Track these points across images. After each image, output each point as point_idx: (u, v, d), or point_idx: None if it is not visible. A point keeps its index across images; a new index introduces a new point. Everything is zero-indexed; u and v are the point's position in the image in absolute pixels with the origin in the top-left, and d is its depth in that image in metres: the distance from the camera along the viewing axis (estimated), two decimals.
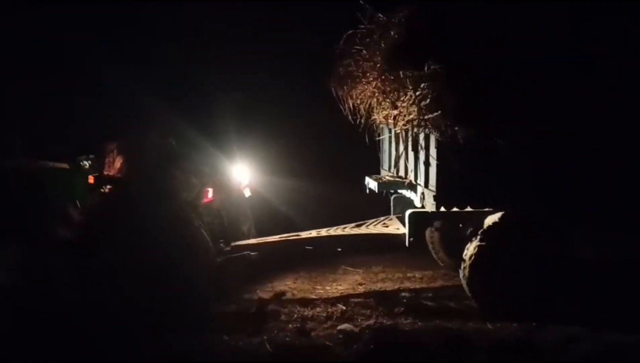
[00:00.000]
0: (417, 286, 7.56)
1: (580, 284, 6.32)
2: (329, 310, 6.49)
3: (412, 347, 5.35)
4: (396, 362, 5.20)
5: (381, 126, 7.47)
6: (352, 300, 6.86)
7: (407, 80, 6.06)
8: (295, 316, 6.32)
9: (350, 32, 6.94)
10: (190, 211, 6.99)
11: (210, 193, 7.45)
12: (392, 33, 6.45)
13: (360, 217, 7.93)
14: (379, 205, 8.16)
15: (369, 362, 5.15)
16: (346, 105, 7.12)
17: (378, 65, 6.48)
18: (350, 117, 7.14)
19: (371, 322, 6.01)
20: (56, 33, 10.47)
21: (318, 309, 6.54)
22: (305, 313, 6.39)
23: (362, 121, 7.13)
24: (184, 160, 7.55)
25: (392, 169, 7.70)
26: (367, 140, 7.38)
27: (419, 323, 5.99)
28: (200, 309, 6.37)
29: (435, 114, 5.89)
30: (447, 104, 5.83)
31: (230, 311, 6.53)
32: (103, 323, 5.90)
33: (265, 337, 5.68)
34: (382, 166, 8.18)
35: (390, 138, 7.67)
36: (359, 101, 6.99)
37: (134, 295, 6.26)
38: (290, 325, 6.03)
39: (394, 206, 7.88)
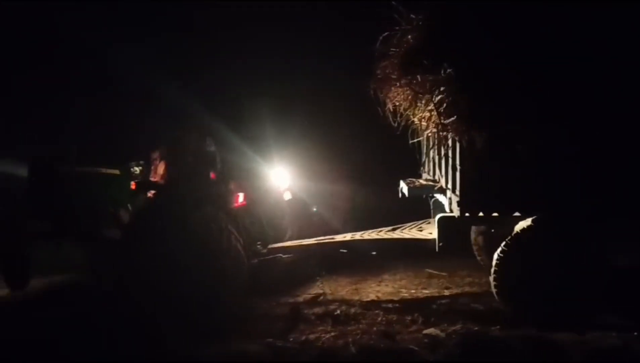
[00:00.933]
0: None
1: (618, 291, 6.04)
2: (414, 313, 6.38)
3: (502, 354, 5.16)
4: None
5: (417, 128, 7.29)
6: (437, 303, 6.72)
7: (427, 84, 6.02)
8: (380, 319, 6.28)
9: (386, 33, 6.73)
10: (222, 215, 7.11)
11: (240, 197, 7.60)
12: (409, 37, 6.39)
13: (403, 220, 7.93)
14: (424, 207, 8.05)
15: None
16: (386, 107, 6.98)
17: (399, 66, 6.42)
18: (390, 119, 7.02)
19: (458, 326, 5.88)
20: (103, 49, 11.12)
21: (402, 312, 6.46)
22: (389, 317, 6.32)
23: (402, 123, 6.92)
24: (221, 165, 7.76)
25: (431, 173, 7.61)
26: (408, 142, 7.19)
27: (509, 330, 5.79)
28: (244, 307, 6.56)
29: (452, 119, 5.87)
30: (463, 109, 5.78)
31: (317, 312, 6.60)
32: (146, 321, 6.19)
33: (350, 339, 5.68)
34: (423, 169, 8.11)
35: (426, 141, 7.54)
36: (397, 103, 6.86)
37: (173, 293, 6.49)
38: (374, 328, 6.02)
39: (433, 209, 7.79)
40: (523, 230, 6.03)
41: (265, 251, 7.71)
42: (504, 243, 6.04)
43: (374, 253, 7.95)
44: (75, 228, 7.90)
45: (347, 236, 7.62)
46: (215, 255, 6.81)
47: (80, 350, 5.70)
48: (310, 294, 7.47)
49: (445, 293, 7.31)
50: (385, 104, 6.86)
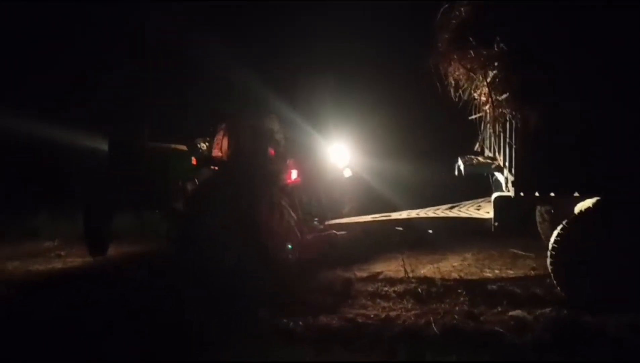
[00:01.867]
0: None
1: None
2: (499, 294, 6.19)
3: (595, 340, 4.89)
4: (579, 357, 4.74)
5: (478, 104, 6.96)
6: (523, 285, 6.48)
7: (480, 59, 5.80)
8: (462, 299, 6.13)
9: (446, 6, 6.48)
10: (275, 190, 7.20)
11: (294, 174, 7.67)
12: (462, 10, 6.13)
13: (464, 198, 7.81)
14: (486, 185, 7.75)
15: (546, 354, 4.80)
16: (446, 82, 6.68)
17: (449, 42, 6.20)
18: (452, 94, 6.71)
19: (546, 310, 5.61)
20: (173, 30, 11.28)
21: (486, 293, 6.28)
22: (473, 297, 6.15)
23: (463, 99, 6.64)
24: (280, 141, 7.84)
25: (491, 150, 7.34)
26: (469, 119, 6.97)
27: (602, 316, 5.47)
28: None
29: (505, 95, 5.66)
30: (515, 85, 5.56)
31: (398, 290, 6.53)
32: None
33: (432, 318, 5.57)
34: (484, 146, 7.80)
35: (485, 117, 7.20)
36: (458, 78, 6.55)
37: (232, 262, 6.73)
38: (457, 308, 5.89)
39: (493, 187, 7.46)
40: (583, 211, 5.75)
41: (321, 227, 7.80)
42: (562, 224, 5.78)
43: (430, 231, 7.78)
44: (151, 200, 8.37)
45: (403, 214, 7.54)
46: (266, 229, 6.92)
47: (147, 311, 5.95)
48: (390, 270, 7.42)
49: (531, 274, 7.04)
50: (446, 79, 6.61)
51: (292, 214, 7.13)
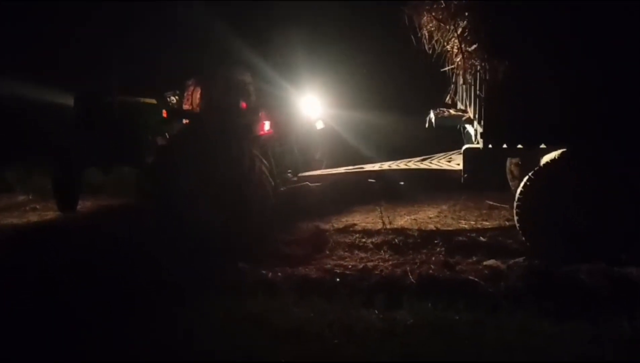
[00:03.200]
0: None
1: None
2: (474, 244, 6.30)
3: (567, 287, 5.03)
4: (551, 304, 4.80)
5: (450, 56, 6.93)
6: (498, 235, 6.62)
7: (451, 9, 5.82)
8: (439, 249, 6.23)
9: None
10: (247, 142, 7.14)
11: (266, 125, 7.58)
12: None
13: (436, 150, 7.82)
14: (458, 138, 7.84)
15: (519, 301, 4.93)
16: (421, 34, 6.53)
17: None
18: (426, 46, 6.62)
19: (520, 259, 5.74)
20: None
21: (462, 243, 6.40)
22: (449, 247, 6.26)
23: (436, 51, 6.54)
24: (252, 93, 7.73)
25: (462, 102, 7.37)
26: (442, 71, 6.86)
27: (574, 264, 5.61)
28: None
29: (474, 46, 5.65)
30: (484, 36, 5.56)
31: (375, 241, 6.61)
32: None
33: (408, 268, 5.67)
34: (456, 98, 7.86)
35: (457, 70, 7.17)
36: (431, 30, 6.47)
37: (207, 215, 6.75)
38: (433, 258, 5.98)
39: (465, 140, 7.50)
40: (549, 162, 5.82)
41: (295, 179, 7.80)
42: (528, 175, 5.87)
43: (402, 183, 7.86)
44: (119, 154, 8.33)
45: (376, 166, 7.57)
46: (240, 180, 6.91)
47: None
48: (368, 222, 7.49)
49: (506, 225, 7.17)
50: (419, 30, 6.51)
51: (266, 166, 7.10)
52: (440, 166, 7.21)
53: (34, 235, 7.64)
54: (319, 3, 10.85)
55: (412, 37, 6.49)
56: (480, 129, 5.96)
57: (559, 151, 5.82)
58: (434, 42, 6.47)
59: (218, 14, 9.66)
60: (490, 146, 5.88)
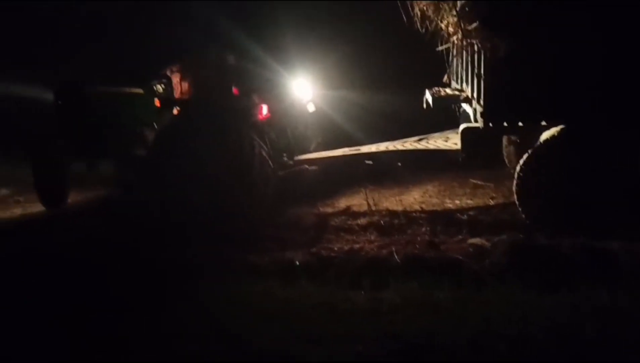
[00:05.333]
0: None
1: None
2: (459, 223, 6.34)
3: (549, 261, 5.09)
4: (534, 277, 4.87)
5: (445, 35, 6.93)
6: (482, 214, 6.66)
7: None
8: (424, 229, 6.27)
9: None
10: (246, 127, 7.14)
11: (264, 109, 7.57)
12: None
13: (431, 130, 7.83)
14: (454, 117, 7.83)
15: (503, 277, 5.00)
16: (413, 13, 6.54)
17: None
18: (418, 25, 6.62)
19: (504, 236, 5.78)
20: None
21: (447, 223, 6.43)
22: (434, 227, 6.29)
23: (430, 29, 6.53)
24: (243, 78, 7.71)
25: (458, 82, 7.36)
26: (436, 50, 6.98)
27: (556, 239, 5.67)
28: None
29: (475, 24, 5.65)
30: (484, 13, 5.56)
31: (361, 223, 6.63)
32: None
33: (393, 248, 5.69)
34: (452, 78, 7.85)
35: (453, 48, 7.22)
36: (425, 9, 6.48)
37: (200, 205, 6.74)
38: (419, 238, 6.02)
39: (461, 119, 7.50)
40: (548, 138, 5.87)
41: (291, 163, 7.80)
42: (528, 152, 5.92)
43: (400, 164, 7.89)
44: (104, 147, 8.16)
45: (372, 148, 7.57)
46: (241, 166, 6.91)
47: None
48: (353, 204, 7.51)
49: (490, 203, 7.23)
50: (412, 9, 6.51)
51: (265, 150, 7.08)
52: (438, 146, 7.21)
53: (26, 226, 7.60)
54: None
55: (404, 16, 6.45)
56: (479, 108, 5.99)
57: (559, 128, 5.87)
58: (427, 21, 6.44)
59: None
60: (490, 124, 5.90)
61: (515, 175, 6.00)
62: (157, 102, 7.83)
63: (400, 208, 7.21)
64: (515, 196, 6.05)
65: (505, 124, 6.00)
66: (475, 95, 6.23)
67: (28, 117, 9.77)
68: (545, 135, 5.98)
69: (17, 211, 8.39)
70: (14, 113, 10.69)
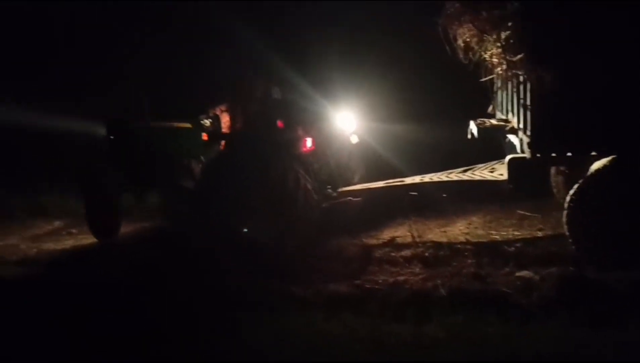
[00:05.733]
0: None
1: None
2: (506, 256, 6.22)
3: (601, 297, 4.93)
4: (584, 312, 4.74)
5: (489, 66, 6.86)
6: (530, 246, 6.53)
7: (493, 20, 5.76)
8: (470, 261, 6.17)
9: None
10: (291, 159, 7.19)
11: (309, 142, 7.61)
12: None
13: (475, 162, 7.68)
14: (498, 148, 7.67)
15: (552, 311, 4.85)
16: (455, 44, 6.59)
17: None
18: (461, 57, 6.62)
19: (552, 269, 5.64)
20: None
21: (493, 255, 6.31)
22: (480, 259, 6.20)
23: (473, 61, 6.58)
24: (287, 111, 7.79)
25: (503, 112, 7.27)
26: (479, 81, 6.87)
27: (606, 272, 5.51)
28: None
29: (520, 56, 5.58)
30: (530, 45, 5.49)
31: (405, 254, 6.59)
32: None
33: (439, 282, 5.63)
34: (496, 109, 7.76)
35: (498, 79, 7.17)
36: (467, 40, 6.49)
37: (245, 236, 6.86)
38: (464, 270, 5.94)
39: (507, 149, 7.34)
40: (599, 169, 5.72)
41: (335, 194, 7.79)
42: (578, 183, 5.78)
43: (445, 195, 7.79)
44: (153, 179, 8.35)
45: (417, 179, 7.50)
46: (286, 200, 6.94)
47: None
48: (397, 236, 7.46)
49: (538, 235, 7.06)
50: (456, 41, 6.52)
51: (309, 183, 7.17)
52: (484, 177, 7.11)
53: (77, 256, 7.80)
54: (352, 16, 11.00)
55: (448, 48, 6.49)
56: (526, 139, 5.91)
57: (609, 158, 5.74)
58: (470, 53, 6.48)
59: (249, 28, 9.89)
60: (538, 155, 5.83)
61: (565, 206, 5.86)
62: (204, 136, 8.03)
63: (444, 240, 7.12)
64: (565, 228, 5.90)
65: (553, 154, 5.90)
66: (521, 125, 6.16)
67: (80, 151, 10.12)
68: (595, 165, 5.84)
69: (69, 242, 8.64)
70: (67, 147, 11.09)
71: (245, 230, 7.07)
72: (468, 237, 7.24)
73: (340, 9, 11.17)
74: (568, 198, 5.86)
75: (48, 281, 6.68)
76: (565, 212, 5.86)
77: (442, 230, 7.63)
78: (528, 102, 5.78)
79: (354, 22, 11.10)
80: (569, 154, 5.91)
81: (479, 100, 7.80)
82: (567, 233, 5.90)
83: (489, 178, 7.06)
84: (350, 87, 8.68)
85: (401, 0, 10.44)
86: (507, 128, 6.79)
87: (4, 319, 5.50)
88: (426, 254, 6.51)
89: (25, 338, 5.04)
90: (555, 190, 7.72)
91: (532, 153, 5.83)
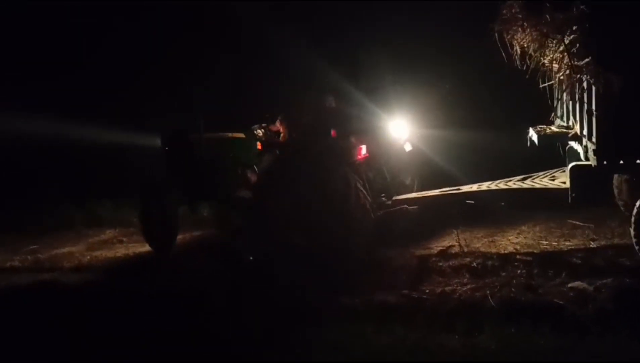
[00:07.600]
0: None
1: None
2: (557, 266, 6.08)
3: None
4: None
5: (548, 72, 6.72)
6: (583, 256, 6.36)
7: (557, 24, 5.64)
8: (520, 271, 6.06)
9: None
10: (346, 168, 7.18)
11: (363, 150, 7.57)
12: None
13: (534, 169, 7.53)
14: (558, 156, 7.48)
15: (609, 324, 4.70)
16: (512, 50, 6.45)
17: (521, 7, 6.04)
18: (518, 63, 6.49)
19: (608, 280, 5.47)
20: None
21: (544, 265, 6.18)
22: (530, 269, 6.08)
23: (530, 66, 6.44)
24: (341, 120, 7.78)
25: (564, 119, 7.08)
26: (538, 87, 6.74)
27: None
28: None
29: (586, 60, 5.43)
30: (596, 49, 5.34)
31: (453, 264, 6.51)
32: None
33: (488, 292, 5.54)
34: (555, 115, 7.55)
35: (558, 85, 6.96)
36: (525, 45, 6.36)
37: (303, 244, 6.81)
38: (514, 281, 5.82)
39: (567, 157, 7.18)
40: None
41: (389, 203, 7.74)
42: None
43: (503, 204, 7.65)
44: (208, 190, 8.42)
45: (474, 187, 7.39)
46: (342, 208, 6.96)
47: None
48: (444, 246, 7.38)
49: (591, 245, 6.87)
50: (511, 47, 6.42)
51: (364, 192, 7.17)
52: (545, 185, 6.96)
53: (129, 265, 8.04)
54: (405, 23, 11.00)
55: (503, 53, 6.42)
56: (591, 146, 5.79)
57: None
58: (527, 58, 6.39)
59: (302, 38, 10.00)
60: (605, 162, 5.69)
61: (633, 216, 5.71)
62: (258, 146, 8.12)
63: (493, 250, 7.00)
64: (632, 235, 5.76)
65: (620, 162, 5.75)
66: (585, 132, 6.03)
67: (139, 163, 10.36)
68: None
69: (121, 250, 8.87)
70: (124, 159, 11.37)
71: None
72: (517, 247, 7.10)
73: (394, 15, 11.20)
74: (635, 210, 5.70)
75: (108, 289, 6.89)
76: (632, 219, 5.71)
77: (490, 239, 7.51)
78: (594, 108, 5.65)
79: (407, 28, 11.07)
80: (638, 161, 5.73)
81: (537, 107, 7.65)
82: (634, 243, 5.74)
83: (551, 186, 6.91)
84: (403, 94, 8.63)
85: (456, 3, 10.44)
86: (570, 135, 6.64)
87: (61, 322, 5.71)
88: (474, 264, 6.42)
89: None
90: (617, 199, 7.48)
91: (598, 160, 5.69)
